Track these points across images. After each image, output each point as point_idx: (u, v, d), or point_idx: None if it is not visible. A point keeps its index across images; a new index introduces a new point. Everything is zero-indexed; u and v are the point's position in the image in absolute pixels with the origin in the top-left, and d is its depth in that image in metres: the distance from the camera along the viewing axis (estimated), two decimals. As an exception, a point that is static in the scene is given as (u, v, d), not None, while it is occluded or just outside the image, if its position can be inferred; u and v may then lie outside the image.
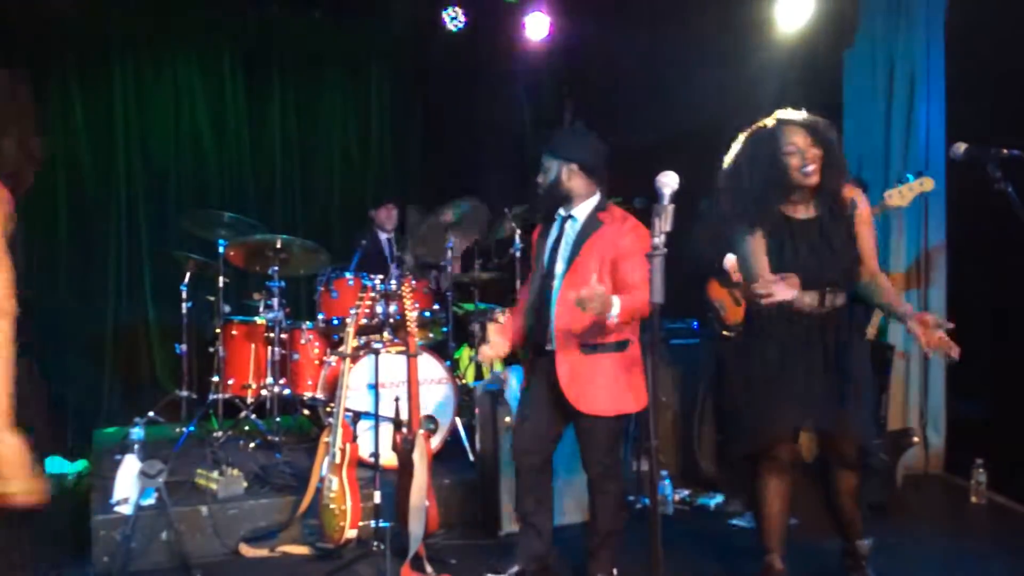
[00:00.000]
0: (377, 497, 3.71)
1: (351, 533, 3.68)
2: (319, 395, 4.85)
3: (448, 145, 7.25)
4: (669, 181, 2.35)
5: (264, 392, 5.00)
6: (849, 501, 3.25)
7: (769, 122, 2.99)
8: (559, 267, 3.26)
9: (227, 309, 5.15)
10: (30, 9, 5.51)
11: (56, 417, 5.80)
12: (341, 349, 4.00)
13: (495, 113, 7.13)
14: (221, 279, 5.09)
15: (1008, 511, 4.33)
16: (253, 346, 5.14)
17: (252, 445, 4.86)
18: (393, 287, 4.81)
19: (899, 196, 3.74)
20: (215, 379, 5.10)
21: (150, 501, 3.73)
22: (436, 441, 4.51)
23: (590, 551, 3.37)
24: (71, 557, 3.77)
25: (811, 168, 2.89)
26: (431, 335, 5.24)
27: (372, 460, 3.77)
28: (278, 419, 4.92)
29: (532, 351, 3.35)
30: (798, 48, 5.37)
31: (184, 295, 5.22)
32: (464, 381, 5.37)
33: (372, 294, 4.79)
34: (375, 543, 3.68)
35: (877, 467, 4.00)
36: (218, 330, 5.14)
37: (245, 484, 4.07)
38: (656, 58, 5.96)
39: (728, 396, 3.19)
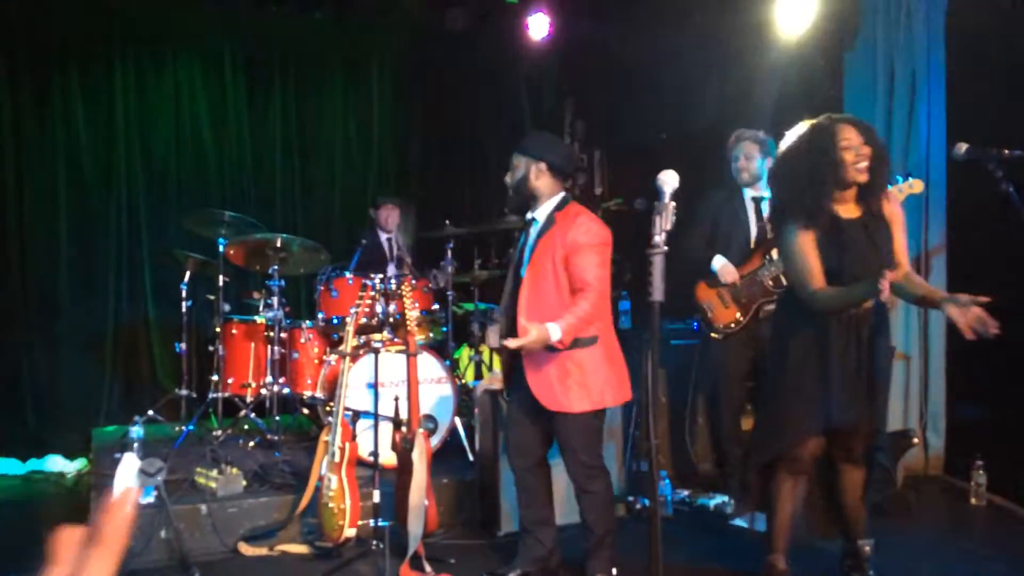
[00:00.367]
0: (376, 496, 3.71)
1: (350, 532, 3.68)
2: (319, 394, 4.85)
3: (449, 145, 7.25)
4: (669, 179, 2.35)
5: (264, 391, 5.00)
6: (854, 499, 3.25)
7: (823, 119, 2.99)
8: (524, 270, 3.30)
9: (227, 308, 5.16)
10: (32, 9, 5.52)
11: (56, 415, 5.81)
12: (341, 348, 4.00)
13: (496, 113, 7.13)
14: (221, 278, 5.10)
15: (1007, 513, 4.33)
16: (253, 345, 5.15)
17: (251, 444, 4.86)
18: (393, 286, 4.81)
19: None
20: (215, 378, 5.10)
21: (149, 499, 3.73)
22: (435, 440, 4.51)
23: (588, 552, 3.36)
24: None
25: (863, 165, 2.91)
26: (431, 334, 5.24)
27: (371, 459, 3.77)
28: (277, 418, 4.92)
29: (508, 354, 3.35)
30: (799, 49, 5.37)
31: (184, 294, 5.23)
32: (464, 381, 5.37)
33: (372, 293, 4.79)
34: (374, 542, 3.67)
35: (883, 462, 4.01)
36: (218, 329, 5.14)
37: (244, 483, 4.07)
38: (656, 59, 5.97)
39: (764, 395, 3.17)
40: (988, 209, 2.95)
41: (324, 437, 3.84)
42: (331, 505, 3.71)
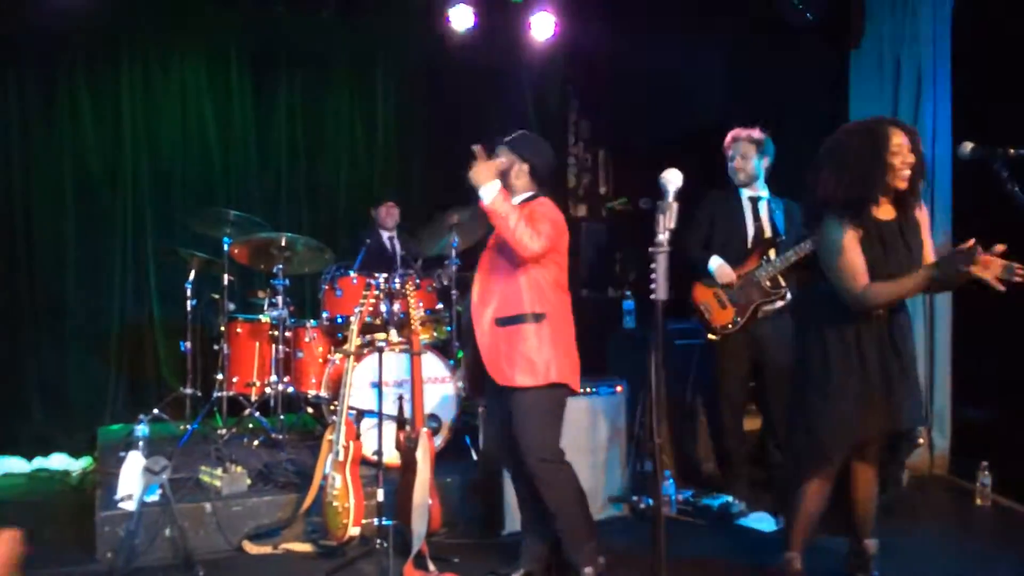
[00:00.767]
0: (380, 495, 3.72)
1: (354, 531, 3.68)
2: (323, 393, 4.86)
3: (454, 145, 7.23)
4: (673, 178, 2.35)
5: (268, 390, 5.01)
6: (865, 498, 3.25)
7: (875, 122, 2.99)
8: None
9: (232, 307, 5.17)
10: (39, 9, 5.53)
11: (61, 413, 5.83)
12: (345, 347, 4.00)
13: (501, 113, 7.13)
14: (226, 277, 5.11)
15: (1013, 513, 4.32)
16: (257, 344, 5.16)
17: (256, 442, 4.87)
18: (397, 286, 4.82)
19: None
20: (219, 377, 5.11)
21: (154, 497, 3.74)
22: (439, 440, 4.51)
23: (567, 549, 3.28)
24: (75, 553, 3.78)
25: (906, 173, 2.92)
26: (435, 334, 5.24)
27: (375, 458, 3.77)
28: (282, 417, 4.93)
29: (472, 359, 3.37)
30: (804, 49, 5.37)
31: (189, 293, 5.24)
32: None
33: (376, 292, 4.80)
34: (378, 541, 3.69)
35: (909, 452, 4.01)
36: (223, 328, 5.15)
37: (249, 481, 4.08)
38: (661, 59, 5.96)
39: (807, 400, 3.15)
40: (993, 208, 2.94)
41: (328, 436, 3.85)
42: (335, 504, 3.72)
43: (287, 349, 5.03)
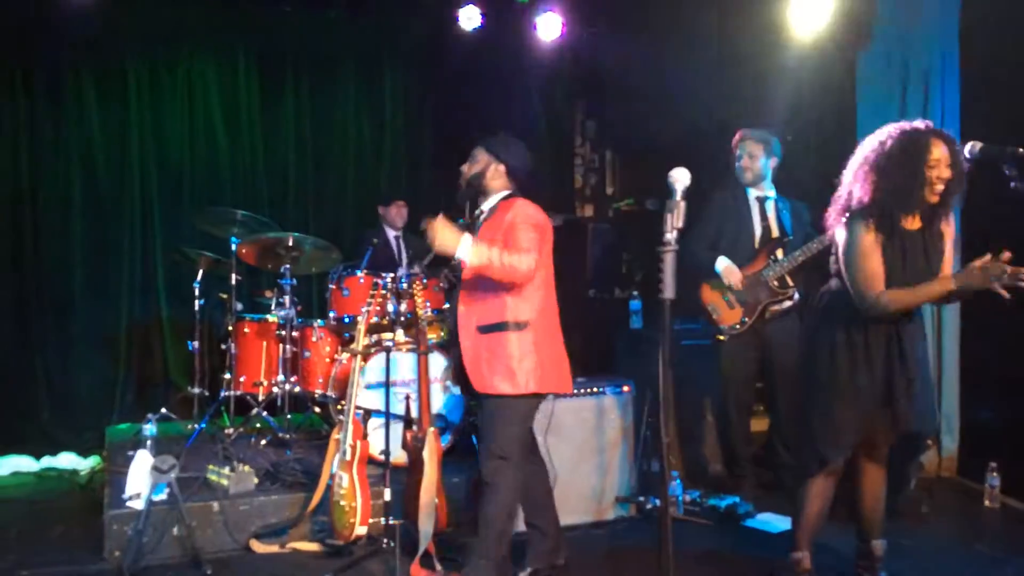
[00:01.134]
0: (387, 495, 3.72)
1: (361, 530, 3.69)
2: (330, 392, 4.87)
3: (460, 145, 7.23)
4: (681, 177, 2.35)
5: (275, 389, 5.02)
6: (873, 499, 3.25)
7: (917, 129, 2.93)
8: None
9: (239, 307, 5.19)
10: (47, 9, 5.56)
11: (70, 413, 5.85)
12: (352, 347, 4.01)
13: (507, 113, 7.13)
14: (234, 277, 5.12)
15: (1021, 515, 4.30)
16: (265, 343, 5.17)
17: (263, 442, 4.88)
18: (404, 285, 4.82)
19: None
20: (227, 376, 5.13)
21: (162, 496, 3.75)
22: (446, 439, 4.51)
23: (474, 551, 3.27)
24: (84, 551, 3.79)
25: (940, 188, 2.89)
26: (442, 333, 5.24)
27: (382, 458, 3.78)
28: (289, 416, 4.94)
29: (458, 360, 3.37)
30: (812, 49, 5.35)
31: (197, 292, 5.26)
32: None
33: (383, 292, 4.81)
34: (385, 540, 3.69)
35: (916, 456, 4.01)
36: (230, 327, 5.17)
37: (256, 480, 4.09)
38: (669, 59, 5.95)
39: (813, 401, 3.16)
40: (1002, 209, 2.93)
41: (335, 435, 3.85)
42: (342, 503, 3.72)
43: (294, 349, 5.04)
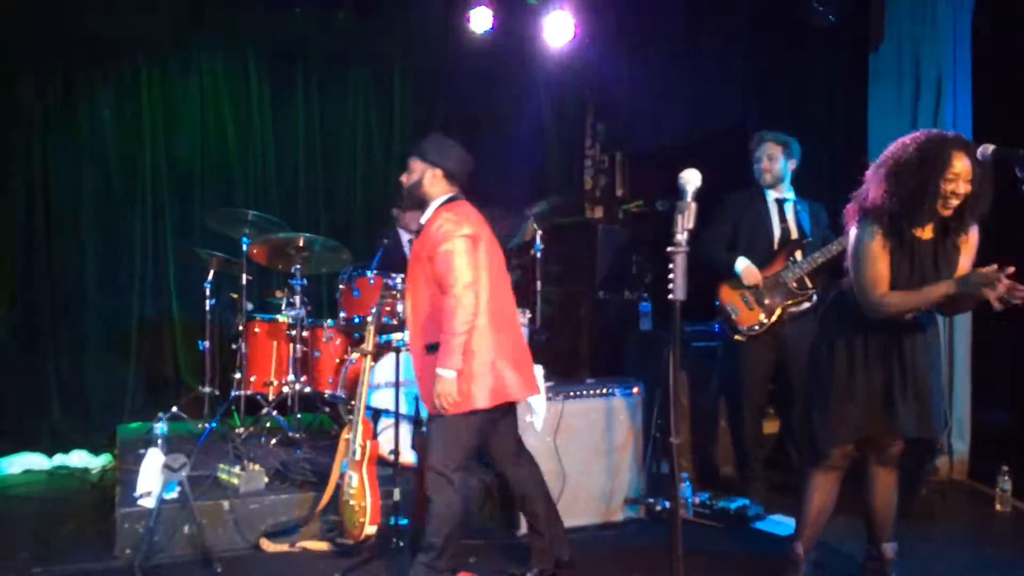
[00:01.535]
0: (396, 494, 3.73)
1: (370, 530, 3.70)
2: (340, 392, 4.88)
3: (469, 147, 7.23)
4: (691, 178, 2.34)
5: (285, 389, 5.04)
6: (883, 502, 3.24)
7: (940, 139, 2.87)
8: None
9: (250, 307, 5.21)
10: (59, 10, 5.59)
11: (81, 411, 5.88)
12: (362, 347, 4.01)
13: (518, 114, 7.13)
14: (244, 277, 5.14)
15: (1033, 519, 4.28)
16: (275, 343, 5.19)
17: (273, 441, 4.89)
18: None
19: None
20: (237, 376, 5.15)
21: (173, 495, 3.77)
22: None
23: (415, 561, 3.27)
24: (95, 549, 3.82)
25: (954, 203, 2.86)
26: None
27: (392, 457, 3.78)
28: (299, 416, 4.96)
29: None
30: (823, 51, 5.34)
31: (208, 292, 5.28)
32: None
33: (394, 292, 4.82)
34: (394, 540, 3.70)
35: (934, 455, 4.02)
36: (241, 327, 5.18)
37: (266, 479, 4.10)
38: (678, 60, 5.95)
39: (813, 396, 3.17)
40: (1013, 211, 2.92)
41: (345, 435, 3.86)
42: (352, 503, 3.73)
43: (304, 349, 5.06)
